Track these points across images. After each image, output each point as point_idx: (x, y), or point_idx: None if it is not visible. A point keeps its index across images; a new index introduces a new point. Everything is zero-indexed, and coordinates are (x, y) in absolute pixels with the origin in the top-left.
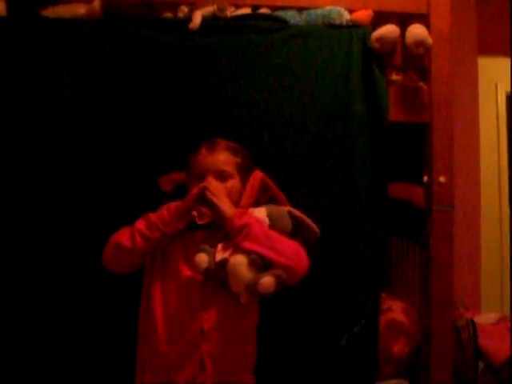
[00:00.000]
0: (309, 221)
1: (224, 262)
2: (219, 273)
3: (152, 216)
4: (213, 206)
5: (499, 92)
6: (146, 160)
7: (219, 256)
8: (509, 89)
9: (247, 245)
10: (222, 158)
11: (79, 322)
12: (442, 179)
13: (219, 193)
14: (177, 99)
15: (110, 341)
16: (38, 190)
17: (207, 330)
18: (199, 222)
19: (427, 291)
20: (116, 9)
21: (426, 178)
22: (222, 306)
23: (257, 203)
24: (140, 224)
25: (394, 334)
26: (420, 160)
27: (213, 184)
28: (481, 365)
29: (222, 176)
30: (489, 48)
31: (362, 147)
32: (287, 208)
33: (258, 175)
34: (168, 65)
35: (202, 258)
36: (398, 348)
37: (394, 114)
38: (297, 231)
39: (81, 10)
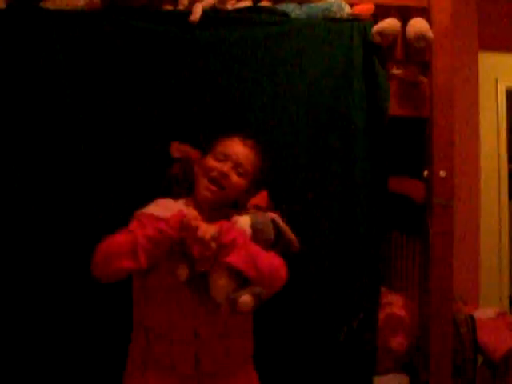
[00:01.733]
0: (290, 234)
1: (205, 273)
2: (201, 283)
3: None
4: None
5: (499, 87)
6: (145, 152)
7: (198, 267)
8: (509, 84)
9: (231, 260)
10: (250, 154)
11: (74, 319)
12: (442, 173)
13: (195, 219)
14: (176, 91)
15: (103, 339)
16: (36, 183)
17: (201, 331)
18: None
19: (426, 286)
20: (116, 0)
21: (426, 173)
22: (214, 306)
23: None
24: (139, 239)
25: (392, 329)
26: (420, 154)
27: (190, 214)
28: (479, 359)
29: (238, 170)
30: (489, 43)
31: (362, 141)
32: (272, 215)
33: (264, 196)
34: (168, 57)
35: (182, 272)
36: (397, 342)
37: (395, 108)
38: (278, 241)
39: (80, 1)
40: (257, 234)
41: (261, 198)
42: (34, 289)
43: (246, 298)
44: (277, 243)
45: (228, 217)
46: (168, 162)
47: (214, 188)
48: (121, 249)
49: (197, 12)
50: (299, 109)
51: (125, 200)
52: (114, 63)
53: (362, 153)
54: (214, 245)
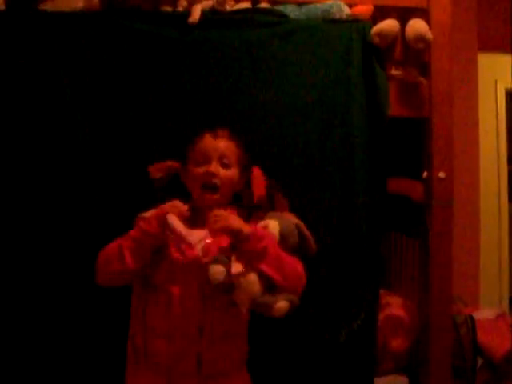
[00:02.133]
0: (311, 240)
1: (238, 275)
2: (228, 284)
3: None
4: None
5: (499, 88)
6: (144, 154)
7: (235, 269)
8: (508, 85)
9: (265, 268)
10: (225, 143)
11: (73, 320)
12: (441, 175)
13: (224, 215)
14: (175, 93)
15: (103, 338)
16: (35, 186)
17: (205, 329)
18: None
19: (426, 287)
20: (114, 2)
21: (425, 174)
22: (220, 304)
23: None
24: (125, 242)
25: (392, 330)
26: (419, 155)
27: (215, 212)
28: (479, 360)
29: (224, 163)
30: (489, 44)
31: (361, 142)
32: (295, 221)
33: (258, 170)
34: (167, 59)
35: (219, 270)
36: (397, 343)
37: (394, 108)
38: (301, 246)
39: (79, 3)
40: (284, 239)
41: (259, 181)
42: (34, 290)
43: (282, 305)
44: (299, 248)
45: (242, 216)
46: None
47: (208, 195)
48: (111, 253)
49: (196, 13)
50: (298, 110)
51: (123, 203)
52: (112, 65)
53: (361, 153)
54: (199, 247)
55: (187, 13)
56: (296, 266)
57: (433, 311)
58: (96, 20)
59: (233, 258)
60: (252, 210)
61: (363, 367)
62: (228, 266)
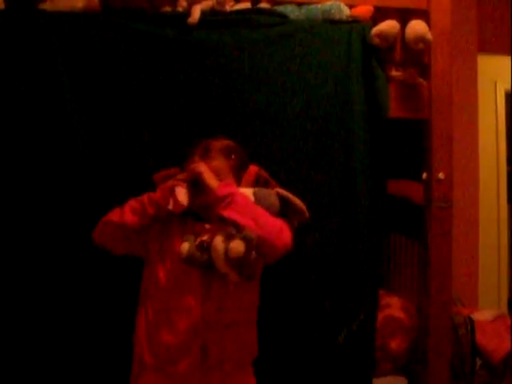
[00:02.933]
0: (297, 200)
1: (204, 245)
2: (202, 257)
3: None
4: (198, 182)
5: (498, 90)
6: (144, 154)
7: (199, 240)
8: (508, 87)
9: (227, 213)
10: (217, 165)
11: (77, 313)
12: (441, 176)
13: (203, 168)
14: (175, 93)
15: (107, 332)
16: (34, 182)
17: (209, 319)
18: (174, 211)
19: (425, 288)
20: (114, 2)
21: (425, 175)
22: (222, 292)
23: None
24: (131, 201)
25: (391, 331)
26: (419, 156)
27: (196, 164)
28: (478, 361)
29: (207, 156)
30: (488, 46)
31: (361, 143)
32: (275, 189)
33: (253, 170)
34: (166, 59)
35: (183, 247)
36: (396, 344)
37: (394, 110)
38: (286, 212)
39: (79, 3)
40: (260, 201)
41: (249, 174)
42: (34, 287)
43: (235, 243)
44: (285, 214)
45: None
46: (166, 161)
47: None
48: (114, 210)
49: (195, 14)
50: (298, 111)
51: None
52: (112, 65)
53: (361, 155)
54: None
55: (187, 13)
56: (275, 220)
57: (432, 312)
58: (95, 20)
59: (203, 232)
60: None
61: (362, 368)
62: (193, 241)
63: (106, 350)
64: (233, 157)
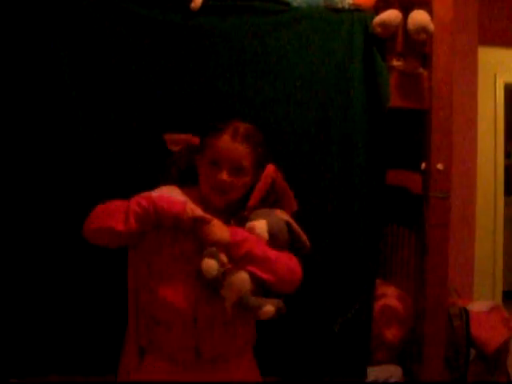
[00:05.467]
0: (304, 236)
1: (229, 272)
2: (221, 283)
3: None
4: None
5: (498, 82)
6: (148, 143)
7: (227, 266)
8: (508, 79)
9: (249, 268)
10: (244, 150)
11: (70, 307)
12: (439, 166)
13: (212, 227)
14: (177, 78)
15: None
16: (35, 174)
17: (200, 317)
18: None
19: (422, 278)
20: None
21: (423, 165)
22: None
23: (264, 202)
24: (134, 206)
25: (387, 320)
26: (418, 146)
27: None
28: (472, 352)
29: (237, 170)
30: (489, 38)
31: (361, 132)
32: (285, 218)
33: (269, 173)
34: (169, 44)
35: (212, 265)
36: (391, 334)
37: (394, 99)
38: (292, 243)
39: None
40: (273, 237)
41: (262, 184)
42: (32, 288)
43: (268, 309)
44: (291, 245)
45: (237, 215)
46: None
47: (217, 196)
48: (114, 208)
49: None
50: (298, 98)
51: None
52: (114, 50)
53: (360, 144)
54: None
55: None
56: (287, 261)
57: (428, 302)
58: (97, 5)
59: (222, 255)
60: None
61: (357, 357)
62: (221, 262)
63: (103, 343)
64: (259, 150)
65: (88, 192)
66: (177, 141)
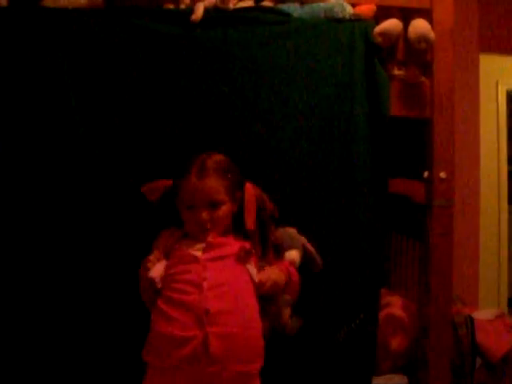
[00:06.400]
0: (317, 257)
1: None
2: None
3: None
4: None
5: (500, 89)
6: (146, 153)
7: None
8: (510, 86)
9: (292, 296)
10: (212, 185)
11: (77, 312)
12: (442, 175)
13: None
14: (177, 91)
15: (108, 332)
16: (35, 181)
17: (213, 311)
18: None
19: (426, 287)
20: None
21: (426, 174)
22: (225, 285)
23: (261, 219)
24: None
25: (392, 329)
26: (421, 155)
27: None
28: (478, 361)
29: (213, 205)
30: (490, 45)
31: (363, 142)
32: (302, 241)
33: (250, 192)
34: (169, 56)
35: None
36: (397, 343)
37: (396, 108)
38: (305, 262)
39: (82, 0)
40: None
41: (250, 205)
42: (34, 290)
43: (294, 324)
44: (303, 265)
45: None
46: (169, 160)
47: (205, 234)
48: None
49: (199, 11)
50: (299, 109)
51: (126, 202)
52: (115, 62)
53: (362, 153)
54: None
55: (190, 10)
56: (295, 274)
57: (433, 311)
58: (98, 17)
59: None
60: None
61: (362, 367)
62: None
63: (107, 349)
64: (229, 176)
65: (90, 206)
66: (154, 189)
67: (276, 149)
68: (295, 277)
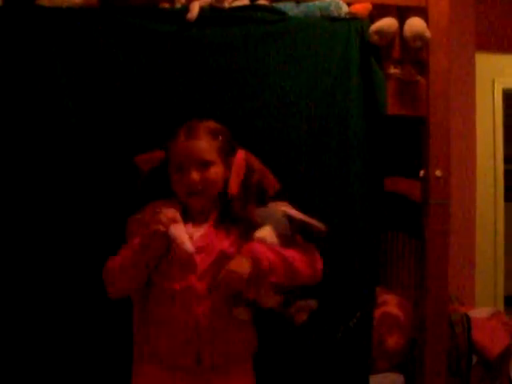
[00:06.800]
0: (311, 220)
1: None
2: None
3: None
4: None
5: (496, 88)
6: (139, 149)
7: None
8: (506, 85)
9: (273, 279)
10: (202, 145)
11: (74, 320)
12: (438, 173)
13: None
14: (173, 89)
15: (106, 335)
16: (30, 181)
17: (203, 326)
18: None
19: (422, 285)
20: None
21: (422, 172)
22: (215, 298)
23: (246, 188)
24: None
25: (388, 328)
26: (417, 154)
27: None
28: (474, 359)
29: (203, 165)
30: (486, 44)
31: (358, 140)
32: (282, 209)
33: (241, 156)
34: (164, 55)
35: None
36: (393, 341)
37: (392, 107)
38: (297, 229)
39: None
40: (281, 237)
41: (237, 170)
42: (36, 286)
43: (302, 316)
44: (297, 231)
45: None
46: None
47: (195, 199)
48: (117, 269)
49: (194, 10)
50: (295, 107)
51: (123, 202)
52: (110, 61)
53: (358, 152)
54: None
55: (185, 9)
56: (302, 257)
57: (429, 309)
58: (94, 16)
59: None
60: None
61: (359, 365)
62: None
63: (105, 348)
64: (220, 138)
65: (87, 207)
66: (147, 160)
67: (271, 146)
68: (263, 255)
